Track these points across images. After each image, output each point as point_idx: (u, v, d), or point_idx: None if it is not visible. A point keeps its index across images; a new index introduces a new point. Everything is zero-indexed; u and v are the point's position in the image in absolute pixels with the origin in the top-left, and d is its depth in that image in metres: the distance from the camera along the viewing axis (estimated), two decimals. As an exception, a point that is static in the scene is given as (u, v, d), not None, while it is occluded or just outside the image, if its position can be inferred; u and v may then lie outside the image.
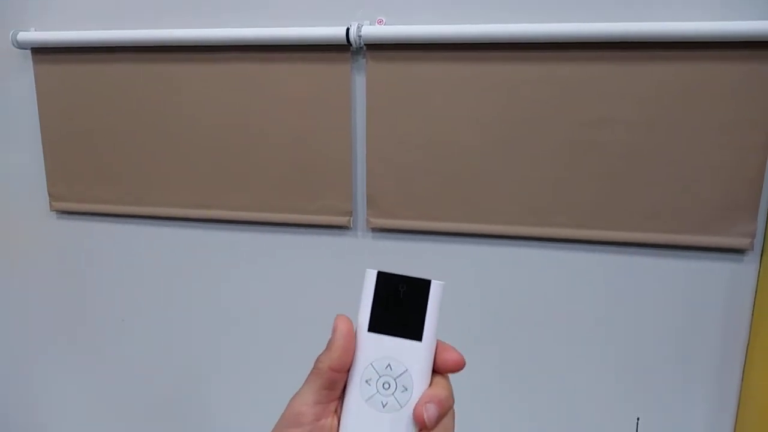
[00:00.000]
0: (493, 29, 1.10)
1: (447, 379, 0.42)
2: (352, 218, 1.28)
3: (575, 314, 1.24)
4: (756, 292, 1.15)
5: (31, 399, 1.62)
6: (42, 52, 1.34)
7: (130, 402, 1.55)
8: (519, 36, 1.10)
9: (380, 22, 1.17)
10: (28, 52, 1.35)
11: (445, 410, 0.41)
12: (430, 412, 0.40)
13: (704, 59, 1.06)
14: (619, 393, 1.26)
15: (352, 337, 0.41)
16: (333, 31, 1.15)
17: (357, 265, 1.32)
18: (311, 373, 0.42)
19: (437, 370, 0.42)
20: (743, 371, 1.20)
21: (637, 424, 1.26)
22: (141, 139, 1.34)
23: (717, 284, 1.17)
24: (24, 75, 1.38)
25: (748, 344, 1.18)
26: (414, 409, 0.40)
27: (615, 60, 1.09)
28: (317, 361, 0.42)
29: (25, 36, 1.30)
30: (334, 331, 0.41)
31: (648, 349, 1.23)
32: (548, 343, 1.27)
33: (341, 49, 1.18)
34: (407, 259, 1.29)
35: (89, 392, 1.57)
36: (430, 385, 0.41)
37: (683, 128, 1.10)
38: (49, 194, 1.43)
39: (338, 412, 0.42)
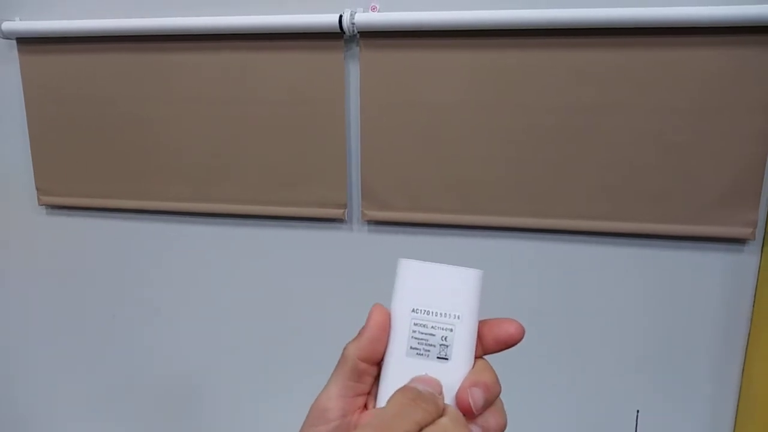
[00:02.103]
0: (489, 16, 1.08)
1: (490, 364, 0.40)
2: (346, 210, 1.26)
3: (573, 306, 1.23)
4: (757, 282, 1.14)
5: (19, 395, 1.60)
6: (28, 42, 1.31)
7: (120, 399, 1.53)
8: (516, 22, 1.08)
9: (374, 9, 1.14)
10: (14, 42, 1.32)
11: (493, 396, 0.37)
12: (475, 396, 0.36)
13: (706, 45, 1.04)
14: (619, 385, 1.25)
15: (386, 328, 0.38)
16: (325, 19, 1.13)
17: (352, 259, 1.30)
18: (338, 362, 0.39)
19: (490, 348, 0.39)
20: (744, 362, 1.18)
21: (637, 417, 1.25)
22: (131, 130, 1.31)
23: (718, 274, 1.16)
24: (9, 66, 1.34)
25: (749, 335, 1.17)
26: (457, 394, 0.37)
27: (614, 46, 1.07)
28: (345, 348, 0.39)
29: (9, 26, 1.27)
30: (367, 318, 0.38)
31: (647, 340, 1.21)
32: (546, 336, 1.25)
33: (334, 36, 1.16)
34: (404, 252, 1.27)
35: (78, 389, 1.55)
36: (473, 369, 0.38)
37: (683, 116, 1.08)
38: (37, 189, 1.40)
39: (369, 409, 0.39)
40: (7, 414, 1.62)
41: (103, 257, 1.43)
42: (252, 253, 1.35)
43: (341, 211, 1.25)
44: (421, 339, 0.38)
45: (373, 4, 1.15)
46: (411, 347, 0.38)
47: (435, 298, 0.39)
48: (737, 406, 1.21)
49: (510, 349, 0.40)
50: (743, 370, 1.19)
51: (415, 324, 0.38)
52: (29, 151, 1.38)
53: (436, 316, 0.38)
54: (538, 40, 1.09)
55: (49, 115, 1.34)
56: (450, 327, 0.38)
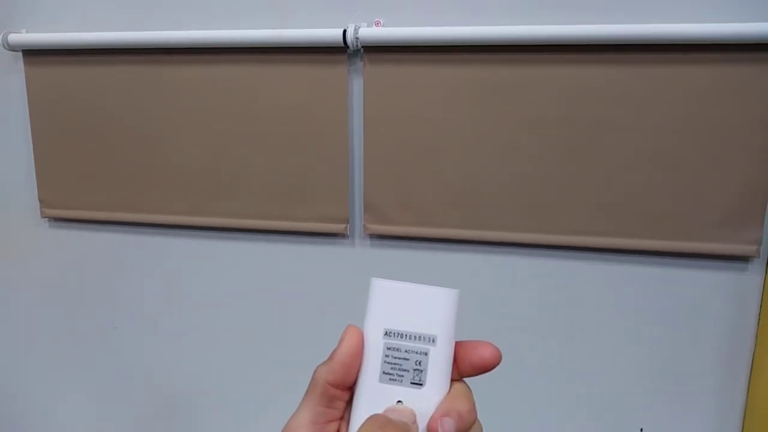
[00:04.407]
0: (491, 31, 1.08)
1: (468, 388, 0.38)
2: (348, 225, 1.25)
3: (577, 323, 1.22)
4: (762, 300, 1.13)
5: (19, 404, 1.59)
6: (33, 54, 1.32)
7: (121, 412, 1.52)
8: (518, 38, 1.08)
9: (378, 23, 1.15)
10: (20, 54, 1.33)
11: (466, 425, 0.36)
12: (446, 427, 0.35)
13: (708, 62, 1.04)
14: (622, 403, 1.23)
15: (358, 352, 0.36)
16: (329, 33, 1.13)
17: (354, 274, 1.29)
18: (309, 386, 0.37)
19: (466, 372, 0.38)
20: (749, 381, 1.17)
21: (641, 435, 1.24)
22: (134, 144, 1.31)
23: (722, 292, 1.15)
24: (15, 77, 1.35)
25: (754, 353, 1.16)
26: (428, 425, 0.35)
27: (617, 62, 1.07)
28: (315, 371, 0.37)
29: (16, 38, 1.28)
30: (340, 341, 0.37)
31: (652, 358, 1.20)
32: (550, 353, 1.24)
33: (338, 51, 1.16)
34: (406, 267, 1.26)
35: (79, 402, 1.54)
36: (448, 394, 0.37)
37: (686, 133, 1.07)
38: (40, 201, 1.40)
39: None
40: (5, 423, 1.62)
41: (104, 270, 1.43)
42: (253, 268, 1.34)
43: (343, 225, 1.25)
44: (395, 364, 0.36)
45: (377, 19, 1.15)
46: (384, 372, 0.36)
47: (409, 320, 0.37)
48: (742, 424, 1.19)
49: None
50: (748, 387, 1.17)
51: (388, 348, 0.36)
52: (33, 163, 1.38)
53: (409, 339, 0.37)
54: (542, 56, 1.09)
55: (53, 128, 1.35)
56: (424, 351, 0.36)
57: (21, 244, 1.47)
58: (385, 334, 0.37)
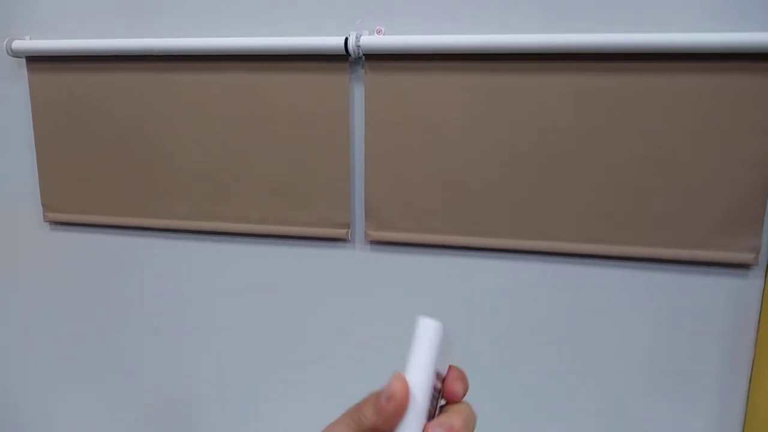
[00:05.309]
0: (492, 39, 1.09)
1: (469, 407, 0.39)
2: (350, 230, 1.26)
3: (576, 330, 1.22)
4: (761, 307, 1.13)
5: (19, 409, 1.59)
6: (37, 60, 1.33)
7: (121, 414, 1.52)
8: (519, 47, 1.08)
9: (379, 31, 1.16)
10: (23, 60, 1.34)
11: None
12: None
13: (708, 70, 1.05)
14: (623, 409, 1.23)
15: (407, 404, 0.37)
16: (331, 41, 1.14)
17: (355, 279, 1.30)
18: (350, 419, 0.38)
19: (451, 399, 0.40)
20: (749, 388, 1.17)
21: (641, 441, 1.24)
22: (136, 149, 1.32)
23: (721, 300, 1.15)
24: (18, 84, 1.36)
25: (753, 361, 1.16)
26: None
27: (617, 70, 1.08)
28: (361, 412, 0.37)
29: (19, 44, 1.29)
30: (390, 396, 0.36)
31: (652, 365, 1.20)
32: (551, 358, 1.24)
33: (339, 59, 1.17)
34: (407, 273, 1.27)
35: (79, 403, 1.54)
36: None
37: (685, 140, 1.08)
38: (43, 205, 1.41)
39: None
40: (5, 423, 1.61)
41: (106, 273, 1.43)
42: (254, 272, 1.35)
43: (344, 231, 1.26)
44: (432, 402, 0.38)
45: (378, 27, 1.16)
46: (428, 410, 0.37)
47: (443, 359, 0.39)
48: (743, 431, 1.19)
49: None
50: (748, 394, 1.18)
51: (435, 389, 0.38)
52: (36, 167, 1.39)
53: (439, 379, 0.39)
54: (543, 64, 1.10)
55: (56, 133, 1.36)
56: (439, 388, 0.39)
57: (24, 248, 1.47)
58: (436, 375, 0.38)
